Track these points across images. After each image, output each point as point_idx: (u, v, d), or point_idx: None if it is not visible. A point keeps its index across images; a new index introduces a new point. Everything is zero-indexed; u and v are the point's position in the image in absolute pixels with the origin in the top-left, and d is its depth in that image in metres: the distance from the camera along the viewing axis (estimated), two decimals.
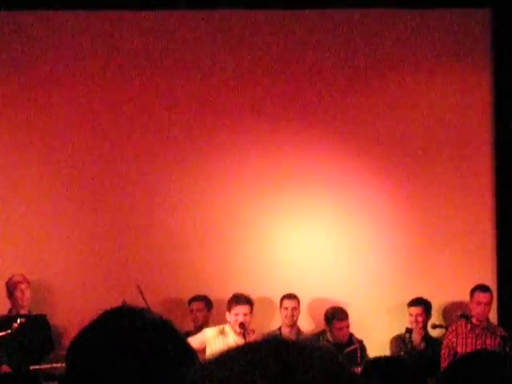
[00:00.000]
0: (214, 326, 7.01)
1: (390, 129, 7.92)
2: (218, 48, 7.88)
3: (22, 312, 7.20)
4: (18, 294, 7.25)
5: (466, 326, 7.18)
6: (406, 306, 7.43)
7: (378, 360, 3.83)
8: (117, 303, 1.71)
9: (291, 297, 7.35)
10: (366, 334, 7.34)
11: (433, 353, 7.16)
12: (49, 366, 6.43)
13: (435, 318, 7.52)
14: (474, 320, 7.15)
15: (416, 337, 7.25)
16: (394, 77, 8.00)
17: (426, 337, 7.36)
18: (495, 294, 7.47)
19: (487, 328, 7.19)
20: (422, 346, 7.26)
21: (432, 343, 7.31)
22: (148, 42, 7.83)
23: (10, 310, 7.30)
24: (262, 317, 7.38)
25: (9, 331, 6.54)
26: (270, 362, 0.90)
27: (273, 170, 7.83)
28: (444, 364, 6.93)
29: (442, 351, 7.14)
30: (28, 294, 7.29)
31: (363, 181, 7.87)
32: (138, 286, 6.72)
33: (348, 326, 7.24)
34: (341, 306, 7.39)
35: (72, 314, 6.91)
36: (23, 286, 7.27)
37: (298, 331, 7.39)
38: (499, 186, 7.89)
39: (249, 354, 0.92)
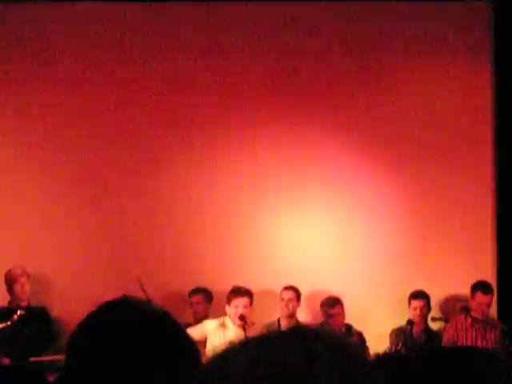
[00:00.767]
0: (214, 318, 7.01)
1: (389, 121, 7.90)
2: (222, 35, 7.85)
3: (22, 304, 7.20)
4: (17, 287, 7.25)
5: (466, 320, 7.19)
6: (404, 299, 7.42)
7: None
8: (117, 295, 1.70)
9: (288, 288, 7.39)
10: (365, 326, 7.33)
11: (433, 346, 7.16)
12: (49, 357, 6.42)
13: (433, 311, 7.52)
14: (474, 314, 7.16)
15: (417, 329, 7.25)
16: (394, 69, 7.99)
17: (427, 330, 7.36)
18: (494, 287, 7.46)
19: (487, 322, 7.20)
20: (423, 338, 7.26)
21: (432, 336, 7.31)
22: (152, 30, 7.81)
23: (10, 303, 7.29)
24: (262, 309, 7.38)
25: (9, 323, 6.54)
26: (297, 352, 0.89)
27: (273, 163, 7.82)
28: None
29: (443, 344, 7.14)
30: (27, 286, 7.29)
31: (363, 173, 7.86)
32: (139, 279, 6.71)
33: (340, 314, 7.24)
34: (338, 297, 7.39)
35: (72, 306, 6.90)
36: (23, 280, 7.26)
37: (297, 323, 7.40)
38: (499, 179, 7.88)
39: (275, 343, 0.92)
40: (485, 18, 7.96)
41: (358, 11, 7.89)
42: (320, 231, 7.83)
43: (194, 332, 6.20)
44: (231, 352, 0.94)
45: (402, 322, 7.33)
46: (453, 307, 7.53)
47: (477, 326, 7.17)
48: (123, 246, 7.65)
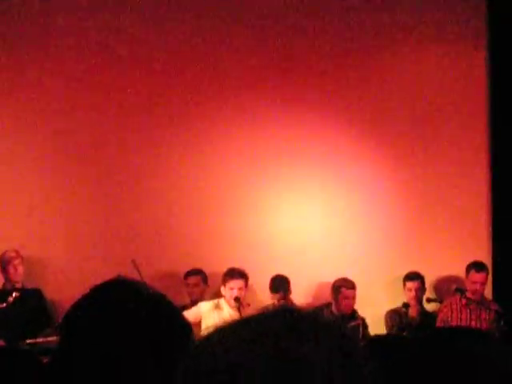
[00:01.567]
0: (210, 299, 7.02)
1: (387, 109, 7.90)
2: (216, 22, 7.83)
3: (16, 286, 7.19)
4: (10, 269, 7.24)
5: (460, 301, 7.20)
6: (399, 281, 7.44)
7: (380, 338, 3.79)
8: (111, 277, 1.69)
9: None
10: (361, 308, 7.34)
11: (428, 327, 7.17)
12: (45, 339, 6.42)
13: (428, 292, 7.54)
14: (468, 294, 7.18)
15: (413, 311, 7.27)
16: (391, 58, 7.98)
17: (422, 311, 7.38)
18: (490, 268, 7.48)
19: (481, 302, 7.21)
20: (418, 320, 7.28)
21: (427, 317, 7.33)
22: (150, 18, 7.78)
23: (4, 285, 7.29)
24: (257, 291, 7.39)
25: (4, 305, 6.54)
26: (282, 333, 0.89)
27: (271, 146, 7.80)
28: None
29: (437, 325, 7.16)
30: (21, 269, 7.28)
31: (360, 157, 7.86)
32: (133, 260, 6.70)
33: (354, 298, 7.24)
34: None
35: (67, 287, 6.90)
36: (16, 262, 7.26)
37: (292, 305, 7.41)
38: (495, 163, 7.89)
39: (262, 323, 0.92)
40: (480, 6, 7.94)
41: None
42: (317, 216, 7.83)
43: (190, 315, 6.20)
44: (218, 332, 0.94)
45: (396, 304, 7.35)
46: (448, 288, 7.55)
47: (471, 306, 7.19)
48: (118, 227, 7.64)
